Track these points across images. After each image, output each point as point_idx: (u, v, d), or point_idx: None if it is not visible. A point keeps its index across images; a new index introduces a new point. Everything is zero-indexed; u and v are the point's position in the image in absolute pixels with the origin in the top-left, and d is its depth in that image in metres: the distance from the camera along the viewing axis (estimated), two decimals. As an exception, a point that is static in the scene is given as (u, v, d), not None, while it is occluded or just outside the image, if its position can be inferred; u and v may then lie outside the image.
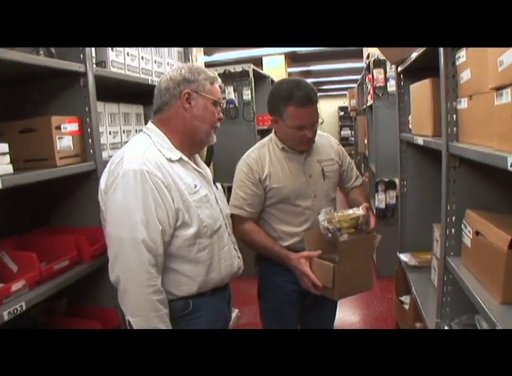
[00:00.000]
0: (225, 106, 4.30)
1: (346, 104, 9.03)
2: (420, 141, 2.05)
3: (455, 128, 1.55)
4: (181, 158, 1.51)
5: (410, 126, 2.54)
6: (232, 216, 1.84)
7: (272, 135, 2.03)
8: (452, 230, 1.64)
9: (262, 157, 1.94)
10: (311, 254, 1.77)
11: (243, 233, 1.91)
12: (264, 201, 1.94)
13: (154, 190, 1.37)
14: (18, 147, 1.59)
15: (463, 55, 1.42)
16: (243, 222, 1.91)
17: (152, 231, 1.36)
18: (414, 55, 2.09)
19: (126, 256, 1.36)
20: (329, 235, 1.72)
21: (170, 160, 1.47)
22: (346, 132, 14.91)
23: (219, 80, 1.60)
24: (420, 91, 2.14)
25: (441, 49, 1.55)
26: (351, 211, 1.76)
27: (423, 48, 1.86)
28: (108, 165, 1.47)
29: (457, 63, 1.49)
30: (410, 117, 2.54)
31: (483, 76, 1.24)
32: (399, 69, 2.60)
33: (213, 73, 1.59)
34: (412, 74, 2.49)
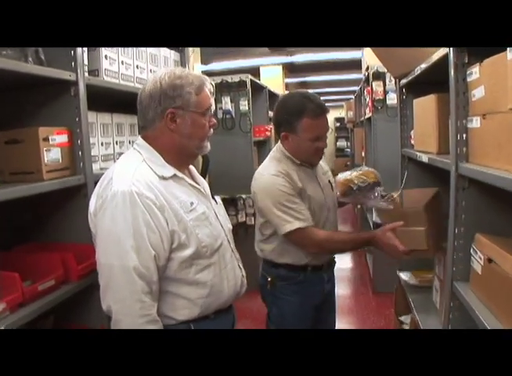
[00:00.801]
0: (215, 109, 4.23)
1: (342, 115, 9.02)
2: (424, 158, 1.98)
3: (464, 148, 1.47)
4: (175, 175, 1.41)
5: (412, 141, 2.47)
6: (298, 232, 1.82)
7: (281, 151, 1.98)
8: (460, 254, 1.56)
9: (286, 172, 1.89)
10: (392, 225, 1.81)
11: (322, 242, 1.89)
12: None
13: (145, 213, 1.27)
14: (3, 159, 1.53)
15: (475, 71, 1.35)
16: (314, 232, 1.88)
17: (144, 257, 1.27)
18: (419, 69, 2.03)
19: (117, 285, 1.26)
20: (362, 185, 1.92)
21: (162, 177, 1.37)
22: (342, 143, 14.99)
23: (207, 83, 1.45)
24: (424, 106, 2.08)
25: (452, 64, 1.48)
26: (366, 168, 2.08)
27: (429, 63, 1.80)
28: (97, 186, 1.37)
29: (469, 79, 1.42)
30: (412, 132, 2.47)
31: (500, 94, 1.16)
32: (401, 83, 2.53)
33: (199, 76, 1.45)
34: (415, 88, 2.43)
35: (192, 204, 1.40)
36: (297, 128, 1.85)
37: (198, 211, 1.41)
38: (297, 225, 1.82)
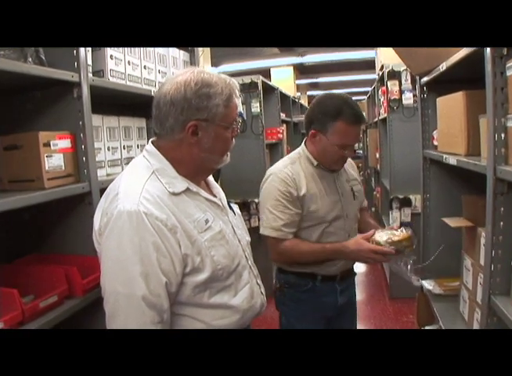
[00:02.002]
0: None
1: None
2: (451, 161, 1.85)
3: (503, 149, 1.34)
4: (188, 188, 1.26)
5: (435, 142, 2.34)
6: (268, 239, 1.83)
7: (301, 149, 1.95)
8: (498, 266, 1.42)
9: (296, 174, 1.85)
10: (365, 235, 1.79)
11: (284, 252, 1.85)
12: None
13: (155, 236, 1.13)
14: (2, 166, 1.46)
15: (519, 63, 1.22)
16: (282, 242, 1.84)
17: (154, 285, 1.13)
18: (444, 65, 1.90)
19: (124, 315, 1.14)
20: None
21: (174, 193, 1.22)
22: (353, 145, 14.82)
23: (237, 90, 1.29)
24: (450, 105, 1.95)
25: (489, 57, 1.35)
26: (403, 232, 1.80)
27: (459, 57, 1.66)
28: (103, 198, 1.25)
29: (508, 73, 1.29)
30: (435, 132, 2.34)
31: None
32: (423, 81, 2.40)
33: (228, 83, 1.26)
34: (436, 86, 2.31)
35: (207, 221, 1.26)
36: (328, 130, 1.81)
37: (214, 229, 1.27)
38: (267, 232, 1.83)
